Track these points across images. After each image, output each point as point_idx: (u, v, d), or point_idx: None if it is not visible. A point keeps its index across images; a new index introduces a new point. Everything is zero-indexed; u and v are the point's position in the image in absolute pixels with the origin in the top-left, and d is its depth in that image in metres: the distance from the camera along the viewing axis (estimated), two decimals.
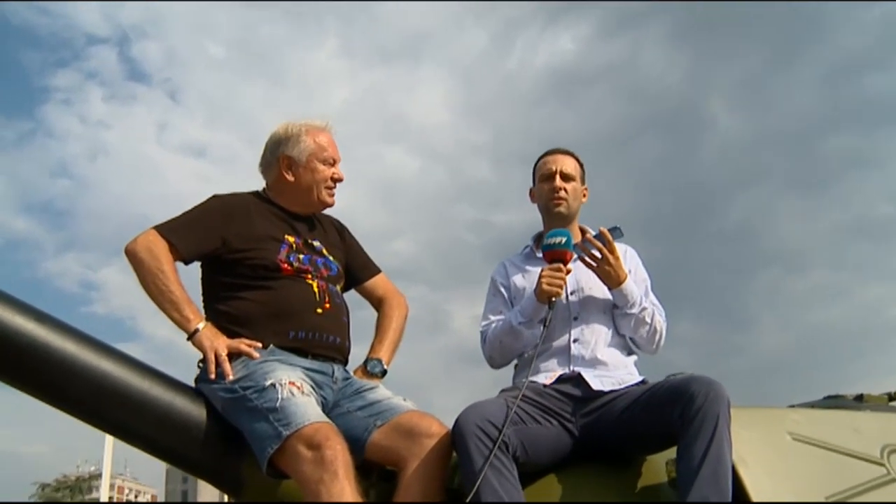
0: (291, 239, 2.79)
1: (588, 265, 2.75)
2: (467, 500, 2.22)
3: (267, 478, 2.35)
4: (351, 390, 2.65)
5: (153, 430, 2.45)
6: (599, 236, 2.74)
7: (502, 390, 2.69)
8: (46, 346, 2.31)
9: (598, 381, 2.63)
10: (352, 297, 3.04)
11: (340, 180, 2.92)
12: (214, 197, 2.84)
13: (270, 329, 2.62)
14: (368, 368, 2.85)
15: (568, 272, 2.70)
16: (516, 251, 3.11)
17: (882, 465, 2.52)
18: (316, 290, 2.74)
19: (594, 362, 2.71)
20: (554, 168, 2.96)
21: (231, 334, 2.59)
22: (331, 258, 2.88)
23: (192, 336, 2.55)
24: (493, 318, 2.93)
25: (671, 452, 2.34)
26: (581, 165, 3.05)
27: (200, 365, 2.56)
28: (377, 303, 3.10)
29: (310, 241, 2.85)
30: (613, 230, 2.77)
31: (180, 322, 2.57)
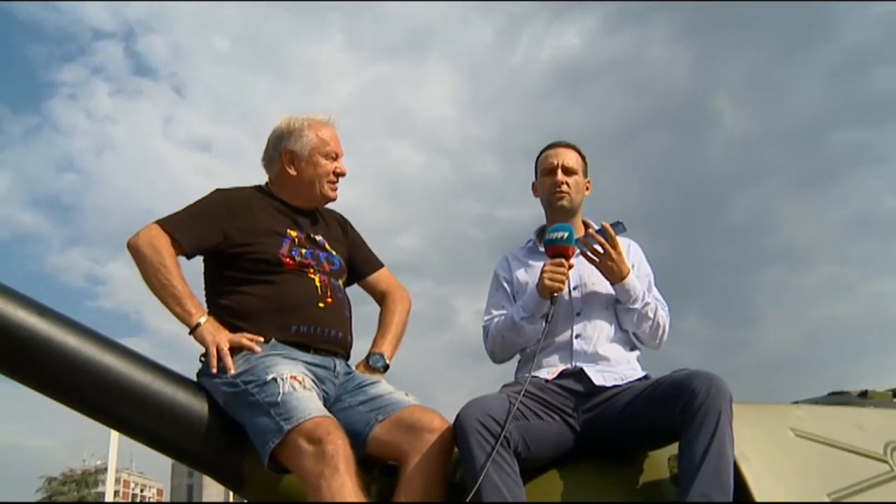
0: (294, 233, 2.79)
1: (590, 260, 2.74)
2: (468, 500, 2.22)
3: (268, 472, 2.35)
4: (353, 385, 2.65)
5: (155, 425, 2.45)
6: (602, 231, 2.74)
7: (504, 385, 2.69)
8: (48, 340, 2.31)
9: (600, 376, 2.62)
10: (355, 292, 3.05)
11: (343, 175, 2.92)
12: (217, 191, 2.85)
13: (272, 323, 2.62)
14: (371, 363, 2.85)
15: (570, 267, 2.70)
16: (519, 245, 3.10)
17: (885, 461, 2.51)
18: (318, 284, 2.73)
19: (596, 358, 2.70)
20: (555, 162, 2.95)
21: (233, 328, 2.59)
22: (333, 253, 2.87)
23: (193, 330, 2.55)
24: (495, 312, 2.92)
25: (673, 448, 2.34)
26: (583, 158, 3.03)
27: (202, 359, 2.56)
28: (380, 297, 3.09)
29: (312, 235, 2.85)
30: (616, 225, 2.76)
31: (182, 316, 2.57)
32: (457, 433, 2.34)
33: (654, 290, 2.91)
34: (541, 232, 3.01)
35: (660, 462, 2.47)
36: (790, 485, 2.34)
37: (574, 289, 2.82)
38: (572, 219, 2.93)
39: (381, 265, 3.13)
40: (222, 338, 2.53)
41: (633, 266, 2.84)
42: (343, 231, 3.05)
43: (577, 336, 2.75)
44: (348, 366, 2.75)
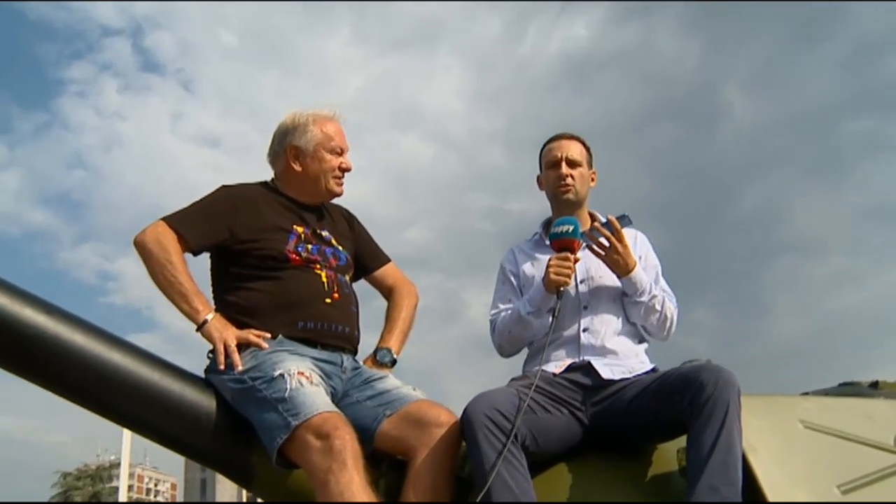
0: (300, 229, 2.79)
1: (596, 254, 2.73)
2: (479, 499, 2.21)
3: (277, 468, 2.35)
4: (360, 380, 2.66)
5: (163, 421, 2.46)
6: (607, 224, 2.73)
7: (512, 379, 2.69)
8: (56, 338, 2.32)
9: (607, 369, 2.62)
10: (363, 287, 3.05)
11: (348, 170, 2.91)
12: (223, 188, 2.85)
13: (279, 319, 2.62)
14: (378, 358, 2.85)
15: (576, 261, 2.68)
16: (526, 237, 3.09)
17: (895, 453, 2.50)
18: (325, 280, 2.74)
19: (604, 351, 2.70)
20: (559, 155, 2.92)
21: (240, 325, 2.60)
22: (340, 248, 2.87)
23: (201, 327, 2.56)
24: (502, 306, 2.91)
25: (682, 441, 2.33)
26: (588, 149, 3.00)
27: (210, 355, 2.57)
28: (387, 292, 3.10)
29: (318, 231, 2.85)
30: (622, 218, 2.75)
31: (189, 313, 2.58)
32: (464, 427, 2.34)
33: (662, 282, 2.90)
34: (546, 225, 2.99)
35: (668, 455, 2.47)
36: (799, 477, 2.33)
37: (581, 282, 2.81)
38: (578, 211, 2.92)
39: (387, 260, 3.13)
40: (229, 334, 2.53)
41: (640, 258, 2.83)
42: (349, 226, 3.05)
43: (584, 330, 2.74)
44: (356, 361, 2.76)
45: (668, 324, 2.81)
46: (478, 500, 2.21)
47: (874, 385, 3.28)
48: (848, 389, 3.26)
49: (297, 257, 2.71)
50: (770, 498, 2.23)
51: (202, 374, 2.60)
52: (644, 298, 2.74)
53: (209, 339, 2.55)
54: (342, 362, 2.66)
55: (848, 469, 2.39)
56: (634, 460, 2.51)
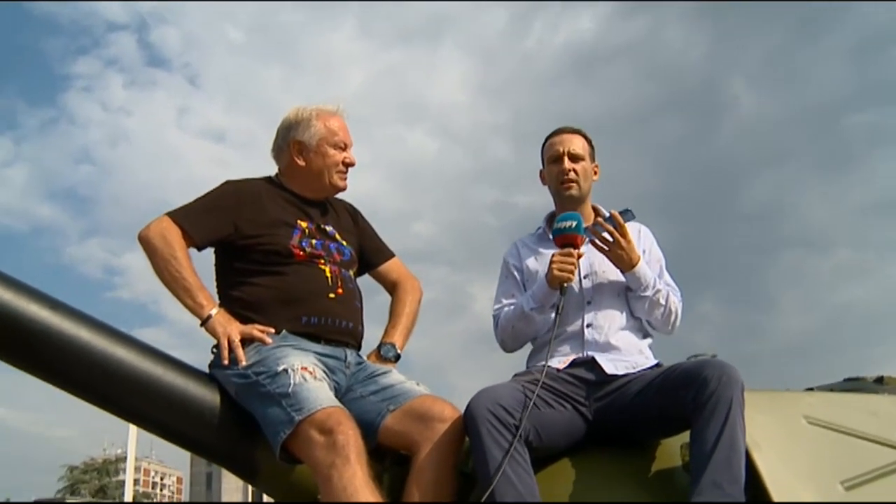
0: (304, 224, 2.79)
1: (600, 249, 2.73)
2: (484, 499, 2.20)
3: (280, 463, 2.36)
4: (364, 375, 2.66)
5: (167, 416, 2.46)
6: (611, 219, 2.72)
7: (515, 375, 2.68)
8: (60, 333, 2.33)
9: (611, 364, 2.62)
10: (367, 282, 3.05)
11: (352, 165, 2.91)
12: (227, 183, 2.85)
13: (283, 315, 2.63)
14: (382, 353, 2.86)
15: (579, 256, 2.68)
16: (529, 231, 3.08)
17: None
18: (329, 275, 2.74)
19: (608, 346, 2.69)
20: (561, 149, 2.90)
21: (244, 320, 2.60)
22: (344, 243, 2.87)
23: (205, 322, 2.56)
24: (505, 301, 2.90)
25: (686, 436, 2.33)
26: (590, 142, 2.98)
27: (214, 351, 2.57)
28: (391, 287, 3.10)
29: (322, 226, 2.85)
30: (625, 213, 2.74)
31: (193, 308, 2.58)
32: (468, 423, 2.34)
33: (666, 276, 2.89)
34: (550, 219, 2.97)
35: (672, 450, 2.46)
36: (802, 472, 2.33)
37: (584, 277, 2.80)
38: (581, 206, 2.90)
39: (391, 255, 3.13)
40: (233, 329, 2.54)
41: (643, 251, 2.82)
42: (354, 221, 3.05)
43: (588, 325, 2.73)
44: (359, 356, 2.76)
45: (672, 318, 2.80)
46: (483, 499, 2.20)
47: (879, 380, 3.27)
48: (853, 385, 3.25)
49: (302, 252, 2.71)
50: (773, 494, 2.23)
51: (206, 370, 2.60)
52: (648, 293, 2.73)
53: (213, 334, 2.55)
54: (346, 357, 2.66)
55: (852, 465, 2.39)
56: (637, 456, 2.50)
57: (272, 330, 2.58)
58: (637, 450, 2.52)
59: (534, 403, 2.40)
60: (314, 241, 2.77)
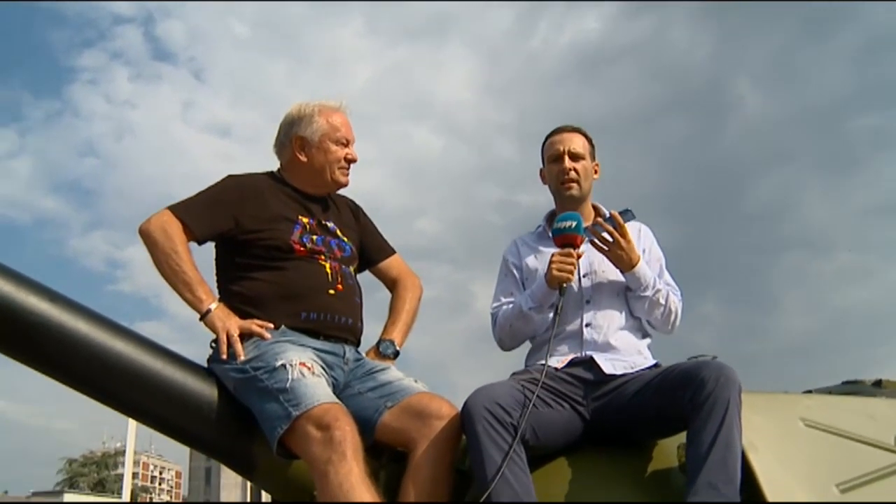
0: (305, 220, 2.79)
1: (599, 249, 2.72)
2: (482, 500, 2.20)
3: (277, 458, 2.36)
4: (362, 371, 2.66)
5: (165, 410, 2.46)
6: (610, 219, 2.72)
7: (513, 373, 2.68)
8: (60, 325, 2.33)
9: (610, 364, 2.62)
10: (367, 279, 3.06)
11: (354, 161, 2.91)
12: (229, 177, 2.85)
13: (282, 310, 2.63)
14: (381, 350, 2.86)
15: (579, 257, 2.67)
16: (529, 229, 3.07)
17: (895, 452, 2.50)
18: (329, 271, 2.74)
19: (606, 346, 2.69)
20: (562, 148, 2.90)
21: (243, 315, 2.60)
22: (344, 239, 2.88)
23: (204, 316, 2.57)
24: (503, 299, 2.90)
25: (683, 437, 2.33)
26: (590, 141, 2.98)
27: (213, 345, 2.58)
28: (391, 284, 3.10)
29: (324, 221, 2.85)
30: (625, 213, 2.75)
31: (193, 302, 2.59)
32: (464, 421, 2.35)
33: (666, 275, 2.89)
34: (550, 217, 2.97)
35: (669, 450, 2.47)
36: (798, 475, 2.33)
37: (584, 276, 2.80)
38: (581, 205, 2.90)
39: (392, 252, 3.13)
40: (232, 324, 2.54)
41: (643, 251, 2.82)
42: (355, 217, 3.05)
43: (587, 325, 2.73)
44: (358, 352, 2.76)
45: (672, 318, 2.81)
46: (481, 501, 2.21)
47: (877, 384, 3.28)
48: (851, 388, 3.26)
49: (302, 248, 2.72)
50: (768, 496, 2.24)
51: (205, 364, 2.60)
52: (648, 293, 2.73)
53: (212, 328, 2.55)
54: (344, 353, 2.66)
55: (847, 468, 2.39)
56: (635, 456, 2.51)
57: (271, 325, 2.59)
58: (634, 450, 2.52)
59: (532, 403, 2.40)
60: (315, 237, 2.77)
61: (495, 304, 2.92)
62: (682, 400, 2.30)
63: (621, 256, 2.70)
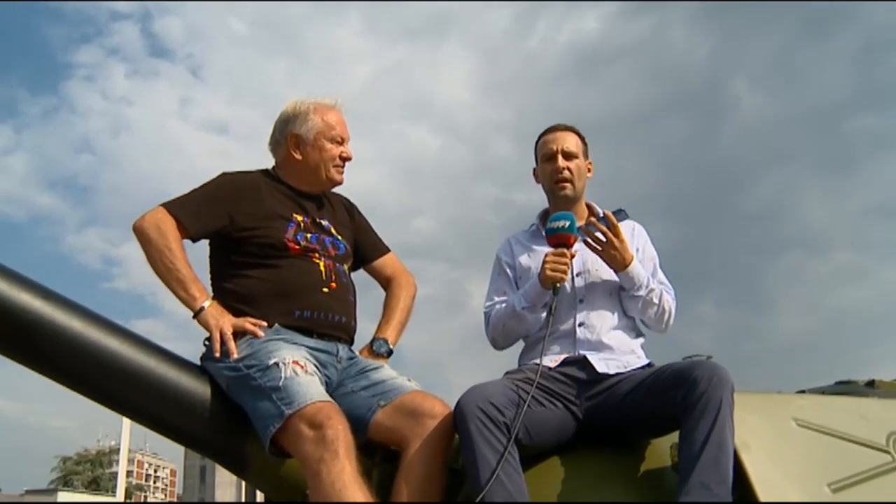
0: (300, 218, 2.79)
1: (593, 249, 2.72)
2: (477, 501, 2.20)
3: (270, 457, 2.36)
4: (355, 370, 2.66)
5: (158, 408, 2.46)
6: (604, 219, 2.72)
7: (506, 373, 2.68)
8: (53, 323, 2.33)
9: (603, 364, 2.62)
10: (361, 277, 3.05)
11: (349, 159, 2.91)
12: (223, 175, 2.85)
13: (276, 308, 2.63)
14: (374, 348, 2.86)
15: (572, 256, 2.67)
16: (524, 228, 3.06)
17: (888, 452, 2.50)
18: (323, 269, 2.74)
19: (600, 346, 2.69)
20: (555, 148, 2.89)
21: (237, 313, 2.60)
22: (339, 237, 2.88)
23: (197, 314, 2.56)
24: (496, 298, 2.90)
25: (675, 436, 2.33)
26: (583, 139, 2.97)
27: (206, 343, 2.57)
28: (385, 282, 3.10)
29: (318, 220, 2.85)
30: (618, 212, 2.75)
31: (186, 300, 2.58)
32: (457, 420, 2.34)
33: (660, 274, 2.89)
34: (544, 216, 2.97)
35: (661, 450, 2.47)
36: (790, 475, 2.34)
37: (577, 275, 2.80)
38: (575, 205, 2.90)
39: (387, 250, 3.13)
40: (226, 322, 2.54)
41: (637, 250, 2.82)
42: (349, 216, 3.05)
43: (580, 324, 2.73)
44: (351, 351, 2.76)
45: (666, 317, 2.81)
46: (476, 502, 2.20)
47: (870, 384, 3.30)
48: (844, 388, 3.27)
49: (296, 246, 2.71)
50: (760, 495, 2.24)
51: (198, 362, 2.60)
52: (641, 293, 2.73)
53: (205, 326, 2.55)
54: (338, 352, 2.66)
55: (839, 468, 2.40)
56: (627, 455, 2.51)
57: (264, 323, 2.58)
58: (627, 449, 2.53)
59: (525, 403, 2.40)
60: (309, 235, 2.77)
61: (488, 303, 2.91)
62: (675, 399, 2.30)
63: (615, 256, 2.69)
